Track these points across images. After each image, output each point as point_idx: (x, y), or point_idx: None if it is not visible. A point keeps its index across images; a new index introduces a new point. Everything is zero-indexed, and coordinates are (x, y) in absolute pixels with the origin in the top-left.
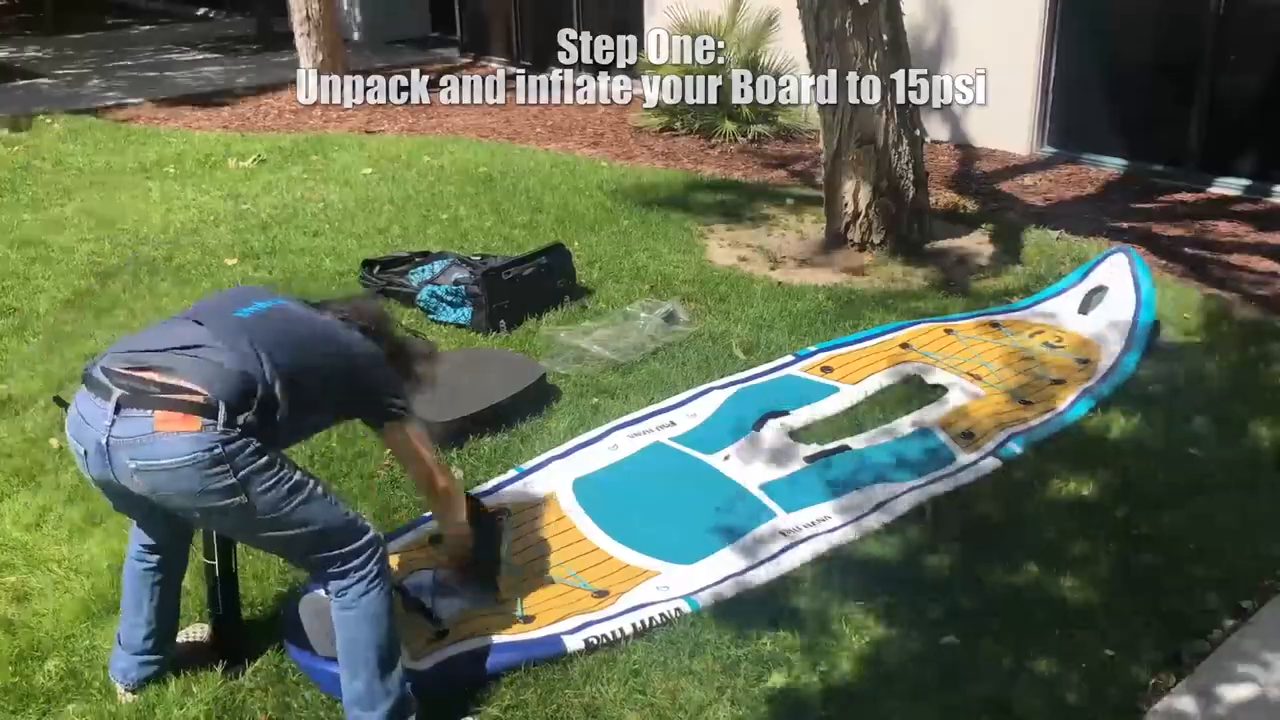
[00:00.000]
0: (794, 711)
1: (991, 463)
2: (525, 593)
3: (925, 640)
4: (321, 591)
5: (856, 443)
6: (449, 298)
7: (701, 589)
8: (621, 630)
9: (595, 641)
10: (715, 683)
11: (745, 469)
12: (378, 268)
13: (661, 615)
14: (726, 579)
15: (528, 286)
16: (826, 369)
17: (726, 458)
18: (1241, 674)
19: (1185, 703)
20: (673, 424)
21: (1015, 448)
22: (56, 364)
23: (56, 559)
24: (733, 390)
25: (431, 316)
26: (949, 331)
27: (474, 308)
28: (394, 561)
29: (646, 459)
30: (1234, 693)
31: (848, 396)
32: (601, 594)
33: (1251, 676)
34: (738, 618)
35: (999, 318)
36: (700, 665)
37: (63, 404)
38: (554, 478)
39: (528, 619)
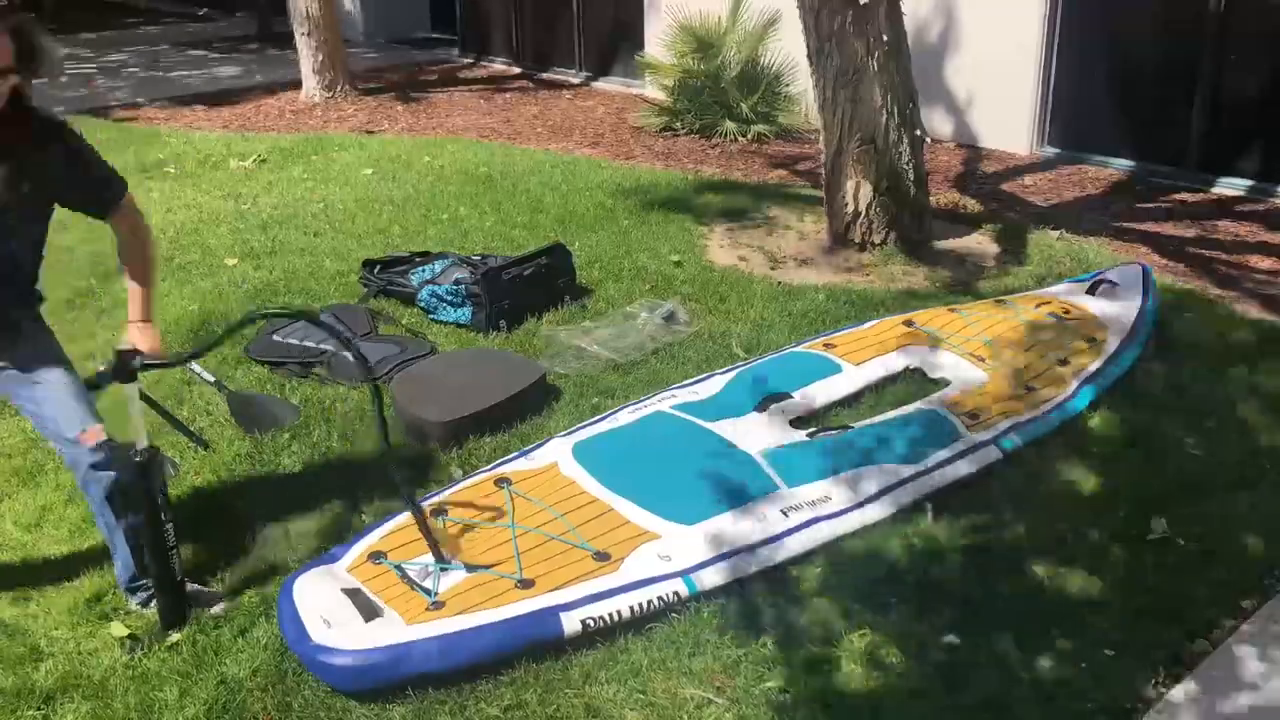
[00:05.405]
0: (794, 712)
1: (993, 452)
2: (524, 549)
3: (925, 640)
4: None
5: (859, 424)
6: (449, 298)
7: (700, 565)
8: (619, 613)
9: (592, 624)
10: (715, 683)
11: (747, 437)
12: (378, 268)
13: (660, 599)
14: (725, 555)
15: (528, 286)
16: (829, 345)
17: (730, 428)
18: (1242, 673)
19: (1185, 702)
20: (674, 396)
21: (1017, 440)
22: None
23: (56, 559)
24: (733, 374)
25: (432, 316)
26: (952, 310)
27: (474, 308)
28: (394, 540)
29: (648, 424)
30: (1234, 692)
31: (850, 377)
32: (602, 557)
33: (1252, 676)
34: (738, 617)
35: (1005, 295)
36: (700, 665)
37: None
38: (554, 449)
39: (527, 583)
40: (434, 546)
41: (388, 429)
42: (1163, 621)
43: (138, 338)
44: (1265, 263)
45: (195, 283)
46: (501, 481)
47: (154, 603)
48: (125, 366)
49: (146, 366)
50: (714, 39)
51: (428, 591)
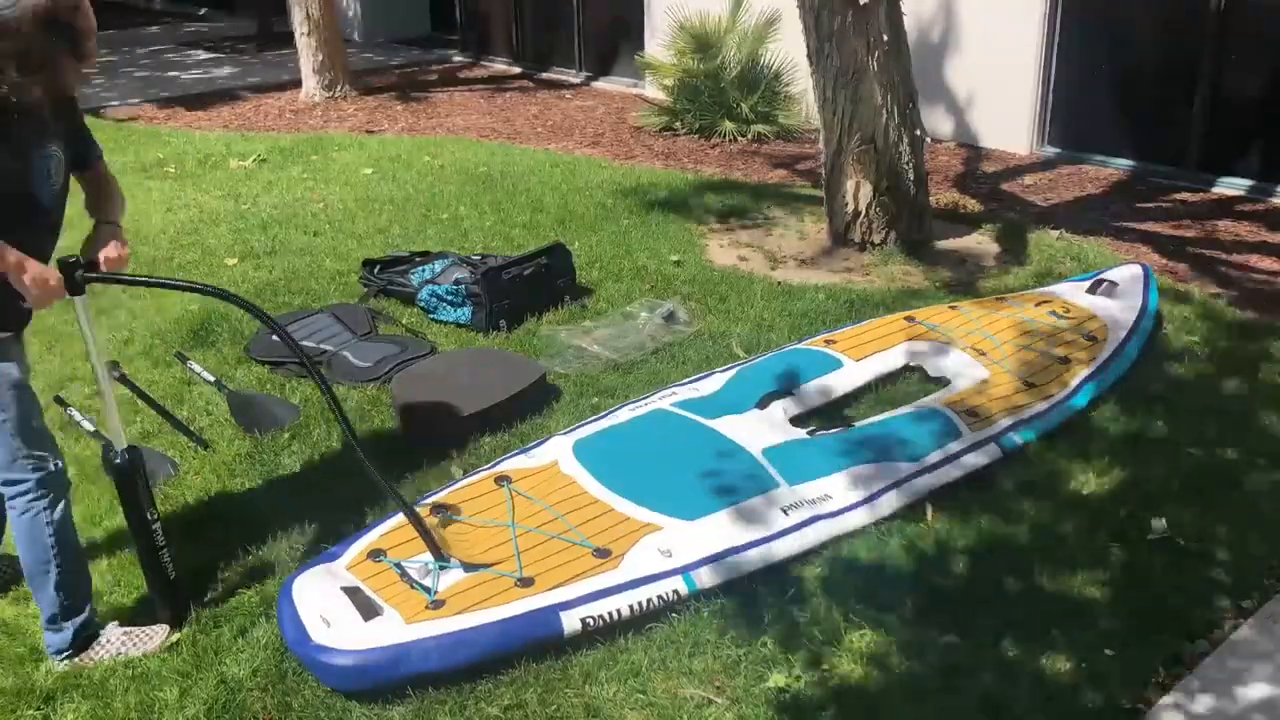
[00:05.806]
0: (794, 711)
1: (994, 450)
2: (524, 548)
3: (925, 639)
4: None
5: (860, 423)
6: (449, 297)
7: (700, 562)
8: (619, 611)
9: (592, 622)
10: (715, 683)
11: (747, 435)
12: (378, 267)
13: (660, 597)
14: (725, 553)
15: (528, 286)
16: (830, 342)
17: (730, 426)
18: (1242, 674)
19: (1186, 702)
20: (675, 394)
21: (1017, 439)
22: (57, 364)
23: None
24: (734, 371)
25: (432, 316)
26: (953, 307)
27: (474, 307)
28: (394, 538)
29: (648, 421)
30: (1235, 692)
31: (851, 373)
32: (602, 553)
33: (1253, 676)
34: (738, 616)
35: (1005, 294)
36: (700, 665)
37: (64, 404)
38: (555, 447)
39: (527, 581)
40: (432, 546)
41: (358, 441)
42: (1163, 621)
43: (105, 239)
44: (1265, 263)
45: None
46: (501, 479)
47: (74, 653)
48: (70, 277)
49: (90, 279)
50: (714, 39)
51: (427, 590)
